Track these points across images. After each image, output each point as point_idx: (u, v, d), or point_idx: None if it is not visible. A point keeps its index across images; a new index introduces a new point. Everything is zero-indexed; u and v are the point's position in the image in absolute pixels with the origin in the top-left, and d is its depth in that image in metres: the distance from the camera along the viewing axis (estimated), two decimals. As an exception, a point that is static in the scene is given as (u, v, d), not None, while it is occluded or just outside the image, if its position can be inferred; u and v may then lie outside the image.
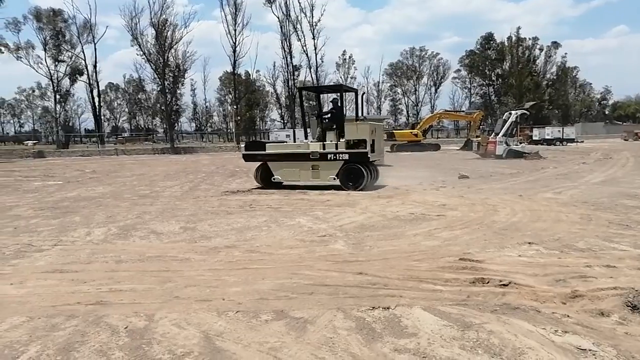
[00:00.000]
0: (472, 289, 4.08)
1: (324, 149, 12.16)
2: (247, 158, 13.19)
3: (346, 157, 11.91)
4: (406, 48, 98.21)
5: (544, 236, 6.12)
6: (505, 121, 25.45)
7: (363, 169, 11.83)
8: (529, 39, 77.99)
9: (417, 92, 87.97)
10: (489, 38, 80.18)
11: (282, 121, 74.81)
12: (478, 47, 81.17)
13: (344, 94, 13.64)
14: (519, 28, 79.15)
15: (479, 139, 27.96)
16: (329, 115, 12.95)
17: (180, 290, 4.26)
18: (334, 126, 12.59)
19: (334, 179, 11.98)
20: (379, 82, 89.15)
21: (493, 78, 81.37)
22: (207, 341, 3.18)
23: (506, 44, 77.83)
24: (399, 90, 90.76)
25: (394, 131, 41.59)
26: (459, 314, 3.54)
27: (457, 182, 13.17)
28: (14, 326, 3.50)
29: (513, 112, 25.92)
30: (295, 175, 12.49)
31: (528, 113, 26.84)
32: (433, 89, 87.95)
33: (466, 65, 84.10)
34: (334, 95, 13.94)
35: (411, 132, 39.59)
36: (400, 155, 31.79)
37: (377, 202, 9.45)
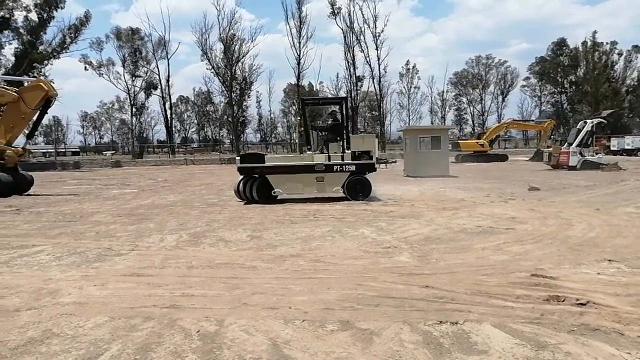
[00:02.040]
0: (546, 307, 3.89)
1: (329, 160, 12.11)
2: (243, 171, 12.16)
3: (353, 168, 12.03)
4: (472, 56, 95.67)
5: (626, 253, 5.74)
6: (579, 130, 24.12)
7: (368, 180, 12.13)
8: (607, 43, 73.52)
9: (483, 101, 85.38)
10: (561, 44, 76.42)
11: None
12: (549, 53, 77.53)
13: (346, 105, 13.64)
14: (595, 32, 74.10)
15: (551, 149, 26.64)
16: (331, 127, 13.04)
17: (248, 297, 4.38)
18: (338, 138, 12.64)
19: (341, 190, 11.99)
20: (443, 91, 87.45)
21: (566, 85, 77.39)
22: (274, 348, 3.24)
23: (580, 49, 73.81)
24: (464, 100, 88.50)
25: (459, 141, 40.57)
26: (532, 332, 3.39)
27: (527, 194, 12.62)
28: (98, 325, 3.74)
29: (589, 121, 24.52)
30: (299, 188, 12.19)
31: (605, 122, 25.27)
32: (500, 97, 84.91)
33: (536, 73, 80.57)
34: (332, 108, 14.10)
35: (477, 142, 38.41)
36: (465, 165, 30.93)
37: (442, 214, 9.25)
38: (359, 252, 6.21)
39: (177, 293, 4.55)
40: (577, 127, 25.04)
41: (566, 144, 25.00)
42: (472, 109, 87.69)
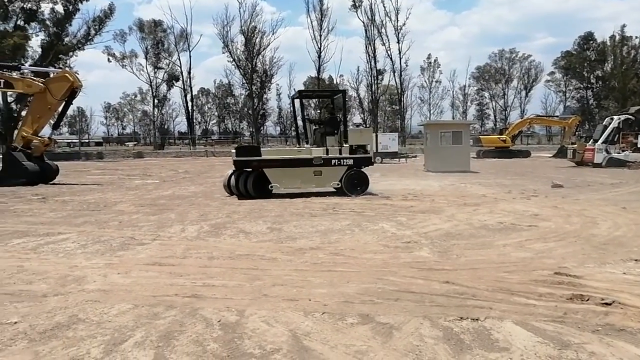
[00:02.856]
0: (569, 306, 3.83)
1: (327, 154, 11.92)
2: (239, 165, 11.64)
3: (351, 162, 11.92)
4: (495, 50, 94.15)
5: (653, 253, 5.60)
6: (605, 127, 23.63)
7: (366, 174, 12.09)
8: (636, 37, 71.49)
9: (505, 96, 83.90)
10: (588, 38, 74.52)
11: (364, 125, 74.91)
12: (575, 47, 75.66)
13: (340, 99, 13.58)
14: (623, 26, 71.91)
15: (575, 145, 26.14)
16: (327, 120, 12.81)
17: (268, 288, 4.42)
18: (336, 131, 12.45)
19: (338, 184, 11.83)
20: (465, 85, 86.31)
21: (592, 80, 75.54)
22: (294, 340, 3.27)
23: (608, 43, 71.98)
24: (487, 95, 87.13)
25: (480, 137, 40.11)
26: (555, 331, 3.34)
27: (550, 192, 12.42)
28: (122, 312, 3.82)
29: (615, 117, 23.99)
30: (296, 183, 11.89)
31: (633, 118, 24.66)
32: (523, 92, 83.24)
33: (561, 67, 78.77)
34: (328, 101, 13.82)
35: (499, 138, 37.92)
36: (487, 161, 30.57)
37: (463, 210, 9.16)
38: (378, 246, 6.20)
39: (198, 283, 4.61)
40: (603, 123, 24.55)
41: (591, 140, 24.51)
42: (494, 104, 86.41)
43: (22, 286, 4.57)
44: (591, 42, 74.48)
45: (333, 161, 11.85)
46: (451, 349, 3.10)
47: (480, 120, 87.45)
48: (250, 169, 11.67)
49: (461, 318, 3.60)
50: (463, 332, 3.37)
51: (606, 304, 3.84)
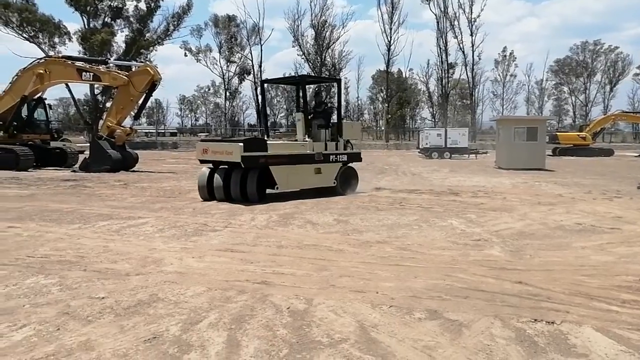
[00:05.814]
0: (657, 315, 3.58)
1: (326, 149, 10.94)
2: (248, 161, 9.44)
3: (345, 158, 11.23)
4: (577, 42, 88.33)
5: None
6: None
7: (356, 170, 11.57)
8: None
9: (587, 91, 78.40)
10: (685, 27, 68.33)
11: (433, 120, 73.18)
12: (670, 37, 69.70)
13: (329, 88, 12.88)
14: None
15: (666, 144, 24.12)
16: (322, 111, 11.78)
17: (335, 279, 4.47)
18: (330, 124, 11.45)
19: (334, 183, 10.95)
20: (542, 79, 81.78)
21: (688, 74, 69.21)
22: (362, 331, 3.29)
23: None
24: (566, 89, 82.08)
25: (557, 133, 37.94)
26: (641, 340, 3.14)
27: (636, 193, 11.56)
28: (197, 294, 4.02)
29: None
30: (298, 181, 10.56)
31: None
32: (608, 87, 77.50)
33: (653, 60, 72.78)
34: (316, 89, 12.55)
35: (578, 135, 35.70)
36: (564, 159, 28.93)
37: (537, 209, 8.76)
38: (447, 242, 6.08)
39: (268, 270, 4.75)
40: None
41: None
42: (574, 99, 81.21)
43: (107, 265, 4.93)
44: (688, 31, 68.08)
45: (331, 157, 10.96)
46: (524, 351, 3.00)
47: (557, 116, 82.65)
48: (247, 167, 9.61)
49: (535, 320, 3.47)
50: (537, 334, 3.24)
51: (700, 315, 3.54)
